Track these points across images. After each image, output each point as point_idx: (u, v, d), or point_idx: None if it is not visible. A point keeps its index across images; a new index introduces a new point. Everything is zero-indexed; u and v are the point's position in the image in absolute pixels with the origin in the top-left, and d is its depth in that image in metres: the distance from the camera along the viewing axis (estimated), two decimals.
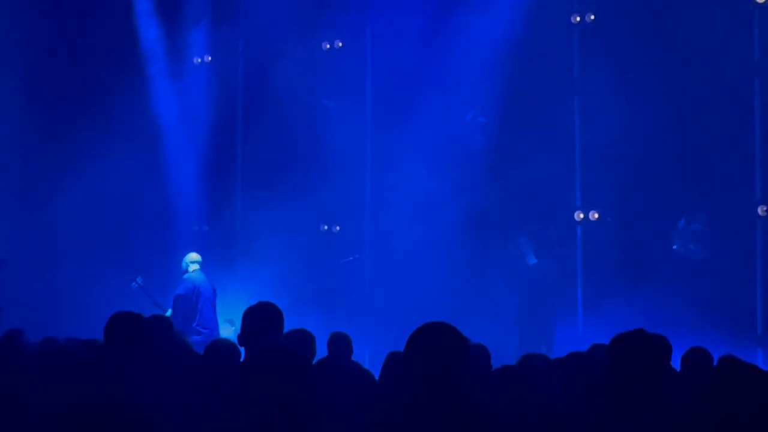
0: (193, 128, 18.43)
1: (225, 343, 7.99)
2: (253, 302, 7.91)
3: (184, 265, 15.25)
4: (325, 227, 16.71)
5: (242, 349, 7.37)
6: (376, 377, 8.02)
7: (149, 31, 19.01)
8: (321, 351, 9.05)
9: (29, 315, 15.20)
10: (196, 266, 15.05)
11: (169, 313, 14.31)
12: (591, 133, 15.08)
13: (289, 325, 9.38)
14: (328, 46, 17.62)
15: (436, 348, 4.79)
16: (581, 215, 14.96)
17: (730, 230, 13.88)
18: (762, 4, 13.94)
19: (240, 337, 7.42)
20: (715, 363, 6.51)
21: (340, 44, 17.54)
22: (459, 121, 16.07)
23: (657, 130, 14.24)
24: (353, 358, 9.37)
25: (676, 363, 7.82)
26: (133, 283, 16.16)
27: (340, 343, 9.50)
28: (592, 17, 15.18)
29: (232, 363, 7.26)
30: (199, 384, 6.92)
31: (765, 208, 13.33)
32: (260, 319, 7.43)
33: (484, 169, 15.58)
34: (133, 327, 6.98)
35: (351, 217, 16.65)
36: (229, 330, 14.32)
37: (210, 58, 18.80)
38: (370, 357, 12.94)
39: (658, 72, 14.41)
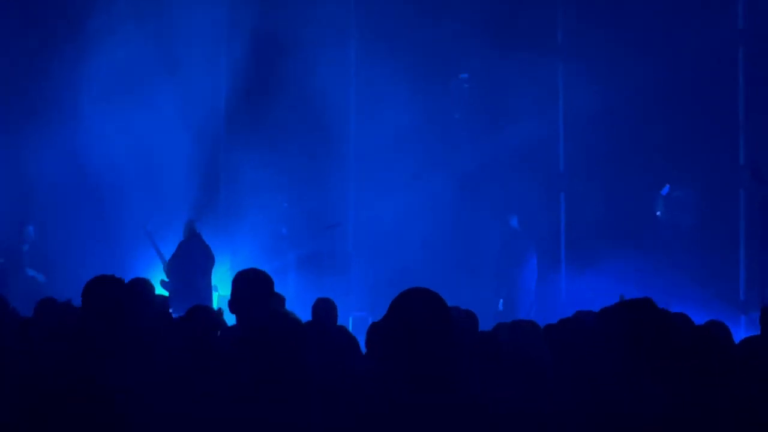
0: (174, 87, 17.72)
1: (204, 309, 7.94)
2: (239, 268, 7.88)
3: (188, 226, 15.02)
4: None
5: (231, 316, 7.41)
6: (360, 342, 8.00)
7: None
8: (306, 316, 8.97)
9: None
10: (194, 232, 14.89)
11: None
12: (575, 99, 15.14)
13: (283, 285, 9.49)
14: None
15: (418, 313, 4.63)
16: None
17: (714, 197, 13.98)
18: None
19: (230, 303, 7.36)
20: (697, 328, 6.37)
21: None
22: (445, 86, 16.09)
23: (642, 98, 14.31)
24: (338, 322, 9.39)
25: None
26: (144, 229, 16.06)
27: (325, 309, 9.54)
28: None
29: (212, 329, 7.30)
30: (177, 350, 6.91)
31: None
32: (250, 286, 7.37)
33: (469, 135, 15.57)
34: (113, 292, 6.53)
35: (334, 184, 16.57)
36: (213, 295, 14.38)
37: None
38: (353, 322, 12.96)
39: (643, 40, 14.45)
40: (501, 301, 14.03)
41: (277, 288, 8.18)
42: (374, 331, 7.29)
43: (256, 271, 7.46)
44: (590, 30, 14.83)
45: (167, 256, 14.65)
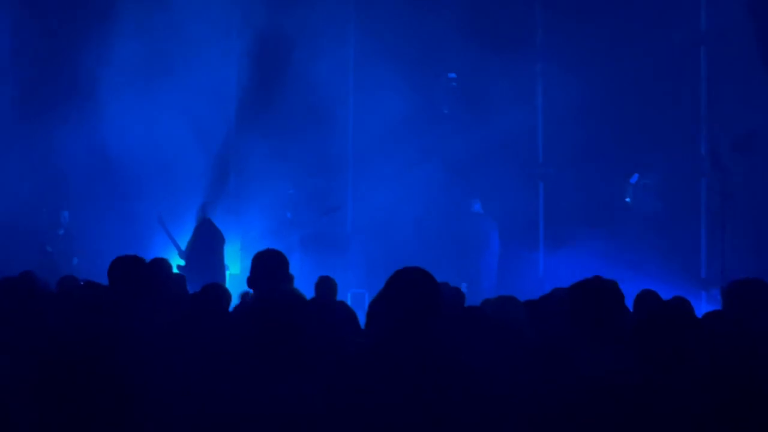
0: (190, 80, 17.13)
1: (217, 286, 8.09)
2: (248, 249, 7.94)
3: (201, 211, 14.84)
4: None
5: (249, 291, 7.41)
6: (358, 315, 7.98)
7: None
8: (309, 292, 8.99)
9: (41, 257, 14.82)
10: (207, 216, 14.67)
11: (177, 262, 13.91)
12: (552, 96, 15.09)
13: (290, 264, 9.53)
14: None
15: (411, 290, 4.77)
16: None
17: (678, 184, 13.99)
18: None
19: (248, 279, 7.44)
20: (663, 302, 6.62)
21: None
22: (434, 84, 16.00)
23: (614, 94, 14.25)
24: (338, 298, 9.38)
25: (629, 304, 7.66)
26: (157, 217, 15.56)
27: (326, 286, 9.61)
28: None
29: (224, 304, 7.49)
30: (192, 323, 6.85)
31: None
32: (267, 264, 7.45)
33: (456, 128, 15.43)
34: (135, 270, 6.85)
35: (335, 172, 16.48)
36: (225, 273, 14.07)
37: None
38: (351, 298, 12.96)
39: (614, 41, 14.38)
40: (464, 284, 13.52)
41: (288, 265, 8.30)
42: (373, 306, 7.45)
43: (273, 251, 7.51)
44: (566, 32, 14.81)
45: (180, 238, 14.42)
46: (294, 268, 9.82)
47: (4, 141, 16.49)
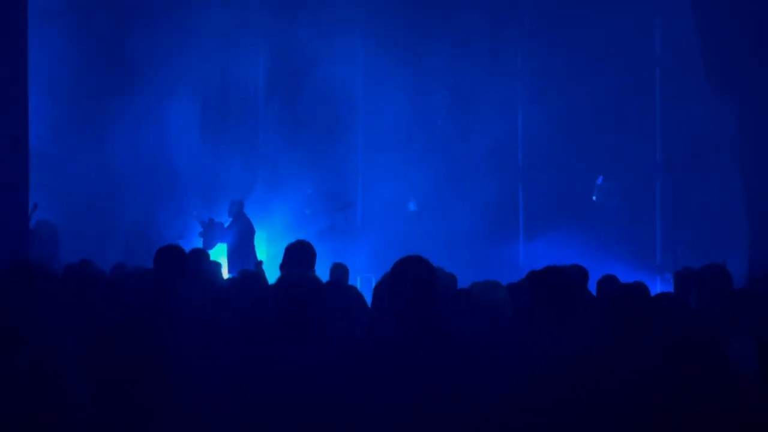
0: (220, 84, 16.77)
1: (248, 272, 8.26)
2: (273, 240, 7.85)
3: (234, 207, 14.76)
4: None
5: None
6: (366, 297, 7.97)
7: None
8: (325, 276, 8.95)
9: (93, 246, 13.85)
10: (240, 210, 14.65)
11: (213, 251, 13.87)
12: (531, 109, 15.24)
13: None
14: None
15: (411, 274, 4.79)
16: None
17: (637, 186, 14.19)
18: (662, 9, 14.27)
19: (281, 264, 7.44)
20: (622, 285, 6.51)
21: None
22: (430, 99, 15.97)
23: (583, 109, 14.31)
24: (349, 282, 9.38)
25: (593, 287, 7.82)
26: (191, 214, 15.27)
27: (339, 271, 9.68)
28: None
29: (257, 287, 7.35)
30: (226, 304, 6.84)
31: None
32: (298, 253, 7.51)
33: (449, 136, 15.49)
34: (176, 257, 6.95)
35: (346, 173, 16.46)
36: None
37: None
38: (360, 281, 12.90)
39: (583, 64, 14.50)
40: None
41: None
42: (378, 288, 7.15)
43: (303, 242, 7.64)
44: (543, 55, 14.97)
45: (216, 230, 14.38)
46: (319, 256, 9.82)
47: (63, 140, 15.88)
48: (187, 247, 8.48)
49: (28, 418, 4.27)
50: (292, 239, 8.67)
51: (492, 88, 15.10)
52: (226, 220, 14.61)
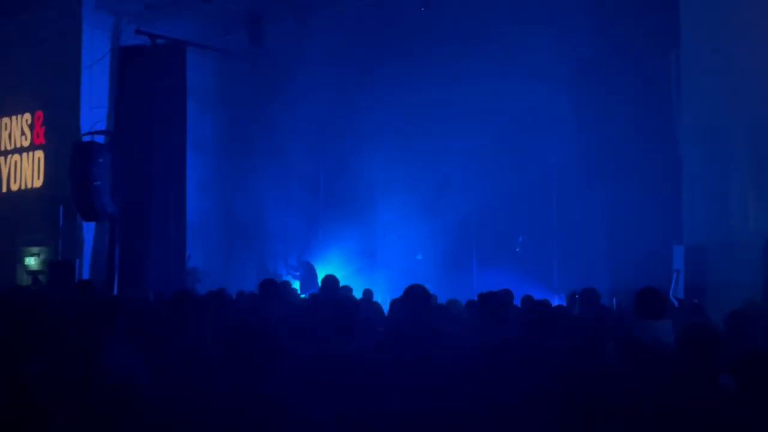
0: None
1: (315, 295, 8.26)
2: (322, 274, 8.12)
3: (301, 256, 14.12)
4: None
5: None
6: (384, 308, 7.90)
7: None
8: (359, 296, 9.05)
9: (223, 279, 12.70)
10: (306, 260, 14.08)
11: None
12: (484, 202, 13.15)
13: (346, 281, 9.27)
14: None
15: (414, 296, 4.85)
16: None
17: (539, 240, 12.84)
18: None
19: (319, 289, 7.66)
20: (534, 301, 6.60)
21: None
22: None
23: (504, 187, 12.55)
24: (373, 299, 9.41)
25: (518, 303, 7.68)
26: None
27: (368, 293, 9.85)
28: None
29: (320, 303, 7.22)
30: (303, 312, 6.99)
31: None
32: (329, 280, 7.72)
33: (449, 196, 13.49)
34: (273, 286, 7.00)
35: (369, 233, 14.88)
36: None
37: None
38: (381, 300, 11.98)
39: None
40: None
41: (345, 282, 8.83)
42: (393, 305, 7.33)
43: (331, 275, 7.79)
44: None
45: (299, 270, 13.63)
46: (352, 282, 9.88)
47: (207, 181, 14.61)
48: (280, 280, 8.79)
49: (183, 388, 4.11)
50: (339, 273, 8.74)
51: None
52: (300, 263, 14.03)
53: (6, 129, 14.42)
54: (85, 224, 12.67)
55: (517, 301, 7.70)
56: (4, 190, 14.49)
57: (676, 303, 8.24)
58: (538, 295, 7.82)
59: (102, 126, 12.81)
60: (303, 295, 10.68)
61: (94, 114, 12.98)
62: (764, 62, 9.18)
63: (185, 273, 12.04)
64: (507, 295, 6.95)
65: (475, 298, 6.37)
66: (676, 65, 9.90)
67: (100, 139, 12.23)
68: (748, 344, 4.91)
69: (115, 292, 10.85)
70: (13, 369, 3.26)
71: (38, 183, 13.96)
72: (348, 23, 13.03)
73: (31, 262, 13.75)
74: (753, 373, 3.18)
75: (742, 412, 3.08)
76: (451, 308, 7.06)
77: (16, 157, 14.30)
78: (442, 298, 7.76)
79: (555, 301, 8.54)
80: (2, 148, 14.58)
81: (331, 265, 13.71)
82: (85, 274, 12.58)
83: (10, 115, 14.34)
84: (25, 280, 12.54)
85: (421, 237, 13.71)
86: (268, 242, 14.89)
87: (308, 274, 13.08)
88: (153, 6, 13.11)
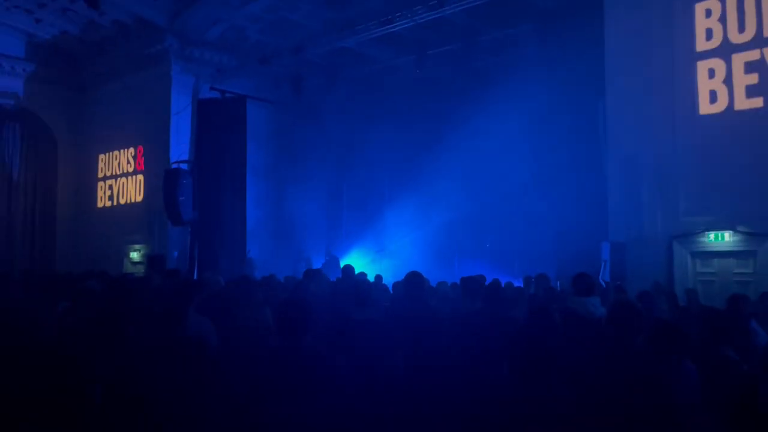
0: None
1: (340, 279, 7.92)
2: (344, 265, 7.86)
3: (329, 251, 13.38)
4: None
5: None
6: (390, 289, 7.65)
7: None
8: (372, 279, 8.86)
9: (273, 266, 12.01)
10: (332, 254, 13.55)
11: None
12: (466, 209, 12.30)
13: (362, 269, 9.07)
14: None
15: (413, 280, 4.69)
16: None
17: (504, 236, 12.10)
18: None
19: (341, 274, 7.42)
20: (499, 283, 6.21)
21: None
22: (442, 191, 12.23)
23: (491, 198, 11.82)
24: (383, 282, 9.23)
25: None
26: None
27: (378, 277, 9.66)
28: None
29: (344, 283, 7.04)
30: (332, 290, 6.69)
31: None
32: (347, 268, 7.58)
33: (443, 204, 12.51)
34: (310, 272, 6.93)
35: (380, 236, 14.38)
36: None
37: None
38: (388, 283, 11.41)
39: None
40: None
41: (361, 269, 8.74)
42: (395, 286, 7.14)
43: (348, 265, 7.62)
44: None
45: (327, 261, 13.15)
46: (367, 270, 9.71)
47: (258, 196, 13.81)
48: (313, 268, 8.39)
49: (243, 347, 3.85)
50: (357, 263, 8.52)
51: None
52: (328, 255, 13.69)
53: (116, 159, 15.02)
54: (172, 228, 12.87)
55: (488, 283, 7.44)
56: (115, 203, 15.05)
57: (603, 285, 8.20)
58: (503, 279, 7.73)
59: (185, 156, 13.15)
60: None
61: (180, 148, 13.32)
62: (666, 110, 9.33)
63: (245, 263, 12.05)
64: (481, 278, 6.82)
65: (458, 281, 6.28)
66: (603, 111, 9.99)
67: (184, 166, 12.58)
68: (653, 315, 4.91)
69: (195, 277, 10.96)
70: (121, 331, 3.30)
71: (139, 198, 14.40)
72: (362, 82, 13.46)
73: (134, 255, 14.16)
74: (657, 336, 3.22)
75: (650, 365, 3.11)
76: (440, 288, 7.05)
77: (123, 179, 14.86)
78: (433, 281, 7.67)
79: (516, 284, 8.37)
80: (114, 173, 15.12)
81: (351, 257, 13.70)
82: (172, 265, 12.58)
83: (119, 149, 14.96)
84: (130, 269, 13.05)
85: (418, 236, 13.66)
86: (304, 240, 14.89)
87: (333, 263, 12.81)
88: (222, 69, 13.64)
